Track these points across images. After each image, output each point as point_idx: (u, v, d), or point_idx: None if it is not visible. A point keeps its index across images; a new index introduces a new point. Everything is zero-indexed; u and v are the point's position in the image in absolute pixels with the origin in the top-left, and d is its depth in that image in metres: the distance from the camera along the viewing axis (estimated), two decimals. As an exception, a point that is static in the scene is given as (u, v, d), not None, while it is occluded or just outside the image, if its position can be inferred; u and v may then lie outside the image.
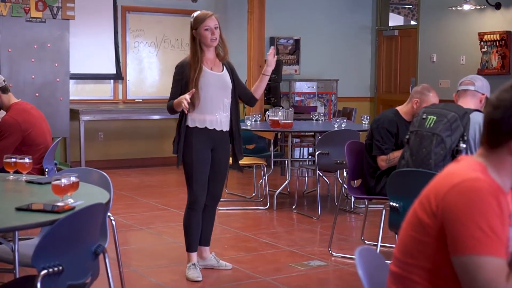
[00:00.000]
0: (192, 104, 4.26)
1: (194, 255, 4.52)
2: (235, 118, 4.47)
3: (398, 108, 4.81)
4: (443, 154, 3.97)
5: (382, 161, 4.64)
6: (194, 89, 4.22)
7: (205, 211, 4.53)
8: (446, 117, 3.98)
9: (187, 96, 4.16)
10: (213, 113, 4.36)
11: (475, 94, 4.26)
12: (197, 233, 4.51)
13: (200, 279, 4.41)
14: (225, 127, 4.43)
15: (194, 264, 4.48)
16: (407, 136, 4.20)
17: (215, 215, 4.67)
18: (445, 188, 1.77)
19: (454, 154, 3.98)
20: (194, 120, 4.37)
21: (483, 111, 4.20)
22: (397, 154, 4.50)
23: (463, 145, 3.97)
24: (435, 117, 4.03)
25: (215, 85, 4.35)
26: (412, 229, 1.86)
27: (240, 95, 4.53)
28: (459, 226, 1.72)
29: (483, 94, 4.27)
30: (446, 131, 3.96)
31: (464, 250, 1.71)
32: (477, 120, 4.07)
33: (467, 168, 1.81)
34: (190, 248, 4.51)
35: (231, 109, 4.45)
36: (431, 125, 4.02)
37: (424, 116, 4.09)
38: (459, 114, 4.00)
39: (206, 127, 4.37)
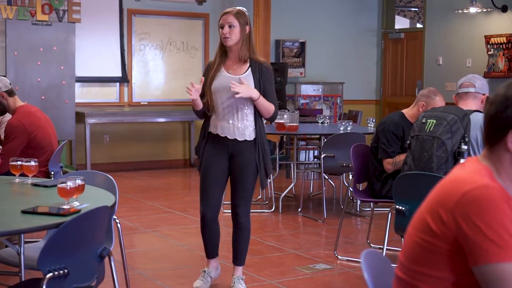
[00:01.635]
0: (209, 108, 4.06)
1: (209, 262, 4.33)
2: (259, 128, 4.07)
3: (404, 111, 4.80)
4: (445, 157, 3.96)
5: (388, 164, 4.64)
6: (203, 78, 4.01)
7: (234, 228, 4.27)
8: (446, 119, 3.98)
9: (194, 84, 3.96)
10: (226, 119, 4.03)
11: (476, 96, 4.25)
12: (210, 241, 4.26)
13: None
14: (241, 137, 4.03)
15: (204, 271, 4.34)
16: (408, 141, 4.20)
17: (243, 235, 4.22)
18: (455, 197, 1.74)
19: (456, 156, 3.98)
20: (210, 125, 4.10)
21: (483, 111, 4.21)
22: (403, 157, 4.49)
23: (464, 147, 3.96)
24: (434, 121, 4.02)
25: (229, 89, 3.92)
26: (418, 236, 1.83)
27: None
28: (476, 236, 1.68)
29: (484, 95, 4.26)
30: (446, 133, 3.95)
31: (485, 260, 1.67)
32: (478, 120, 4.06)
33: (474, 173, 1.78)
34: (205, 254, 4.35)
35: (255, 118, 4.05)
36: (431, 128, 4.01)
37: (423, 120, 4.08)
38: (458, 116, 3.99)
39: (218, 134, 4.07)
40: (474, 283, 1.75)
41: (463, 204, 1.71)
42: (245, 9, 4.10)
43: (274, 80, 4.22)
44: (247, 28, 4.04)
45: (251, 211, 4.27)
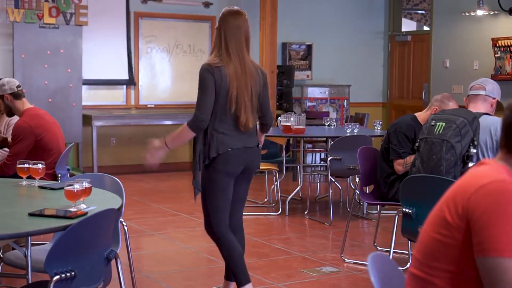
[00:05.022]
0: None
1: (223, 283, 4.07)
2: (202, 138, 3.76)
3: (417, 114, 4.79)
4: (454, 160, 3.95)
5: (399, 165, 4.62)
6: None
7: None
8: (455, 122, 3.97)
9: None
10: None
11: (486, 99, 4.24)
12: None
13: None
14: None
15: None
16: (417, 144, 4.19)
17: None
18: (472, 189, 1.76)
19: (465, 159, 3.96)
20: None
21: (492, 115, 4.20)
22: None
23: (473, 150, 3.95)
24: (443, 124, 4.01)
25: None
26: (434, 231, 1.84)
27: None
28: (485, 227, 1.70)
29: (494, 98, 4.25)
30: (455, 137, 3.94)
31: (490, 252, 1.69)
32: (487, 124, 4.05)
33: (493, 170, 1.80)
34: None
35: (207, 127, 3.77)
36: (440, 131, 4.00)
37: (433, 123, 4.07)
38: (468, 119, 3.98)
39: None
40: None
41: (479, 195, 1.73)
42: (223, 10, 3.67)
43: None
44: (215, 30, 3.70)
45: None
